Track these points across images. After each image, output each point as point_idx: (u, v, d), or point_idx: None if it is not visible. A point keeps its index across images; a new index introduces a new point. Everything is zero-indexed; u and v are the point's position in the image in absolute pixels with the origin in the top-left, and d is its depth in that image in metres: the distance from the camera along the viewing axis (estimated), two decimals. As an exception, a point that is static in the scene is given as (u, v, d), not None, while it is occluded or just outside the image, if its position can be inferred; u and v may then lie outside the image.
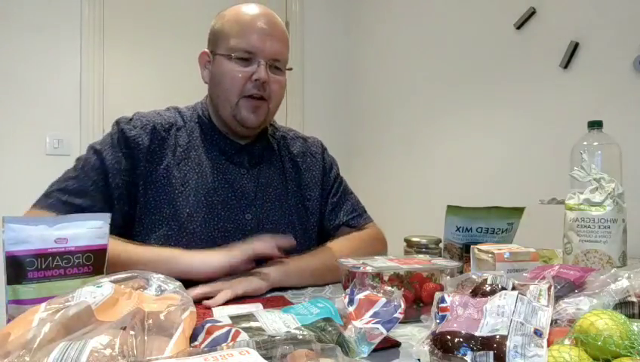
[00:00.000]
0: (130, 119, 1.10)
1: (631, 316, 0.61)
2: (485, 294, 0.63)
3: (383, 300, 0.64)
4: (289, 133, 1.28)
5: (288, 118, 2.92)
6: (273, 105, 1.11)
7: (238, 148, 1.13)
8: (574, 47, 1.81)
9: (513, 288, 0.63)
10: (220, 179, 1.09)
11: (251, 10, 1.09)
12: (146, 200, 1.04)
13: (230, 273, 0.94)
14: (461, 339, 0.53)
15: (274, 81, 1.08)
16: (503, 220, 1.04)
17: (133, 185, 1.03)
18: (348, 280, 0.84)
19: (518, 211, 1.07)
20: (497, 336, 0.52)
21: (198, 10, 2.80)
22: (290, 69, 1.14)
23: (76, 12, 2.53)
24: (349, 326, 0.61)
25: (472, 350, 0.52)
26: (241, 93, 1.06)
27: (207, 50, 1.12)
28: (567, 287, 0.68)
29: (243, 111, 1.07)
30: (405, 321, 0.63)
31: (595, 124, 1.10)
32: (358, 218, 1.26)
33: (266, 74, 1.05)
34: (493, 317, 0.56)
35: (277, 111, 1.15)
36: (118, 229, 0.99)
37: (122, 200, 1.02)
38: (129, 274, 0.61)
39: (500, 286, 0.64)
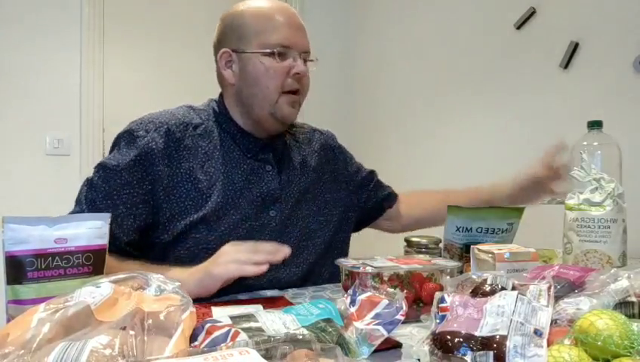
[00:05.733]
0: (141, 122, 1.04)
1: (631, 316, 0.61)
2: (485, 294, 0.63)
3: (385, 301, 0.64)
4: (305, 127, 1.29)
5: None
6: (302, 98, 1.11)
7: (262, 145, 1.10)
8: (574, 47, 1.81)
9: (513, 288, 0.63)
10: (245, 178, 1.06)
11: (272, 3, 1.08)
12: (169, 206, 1.00)
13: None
14: (461, 339, 0.53)
15: (306, 73, 1.07)
16: (503, 220, 1.04)
17: (153, 193, 0.99)
18: (348, 280, 0.84)
19: (518, 211, 1.07)
20: (497, 336, 0.52)
21: (198, 10, 2.80)
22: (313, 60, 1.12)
23: (76, 12, 2.53)
24: (350, 327, 0.61)
25: (472, 350, 0.52)
26: (282, 89, 1.04)
27: (227, 49, 1.07)
28: (567, 287, 0.68)
29: (284, 108, 1.05)
30: (405, 321, 0.63)
31: (595, 124, 1.10)
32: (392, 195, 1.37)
33: (305, 67, 1.05)
34: (493, 317, 0.56)
35: None
36: (131, 238, 0.99)
37: (142, 211, 0.99)
38: (128, 275, 0.61)
39: (499, 286, 0.64)
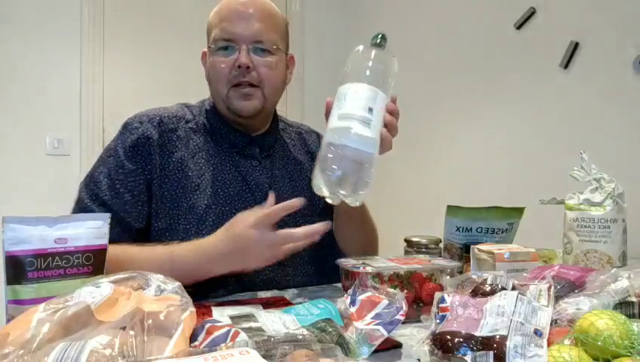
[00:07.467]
0: (135, 116, 1.08)
1: (631, 316, 0.61)
2: (485, 294, 0.63)
3: (385, 302, 0.64)
4: (302, 127, 1.30)
5: (288, 117, 2.91)
6: (268, 90, 1.05)
7: (248, 140, 1.11)
8: (574, 47, 1.81)
9: (513, 288, 0.63)
10: (233, 171, 1.07)
11: None
12: (161, 194, 1.02)
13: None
14: (461, 339, 0.53)
15: (260, 64, 1.02)
16: (503, 220, 1.04)
17: (150, 181, 1.02)
18: (348, 280, 0.84)
19: (518, 211, 1.07)
20: (497, 336, 0.52)
21: (198, 9, 2.79)
22: (278, 48, 1.05)
23: (76, 12, 2.53)
24: (350, 327, 0.61)
25: (472, 350, 0.52)
26: (229, 83, 1.03)
27: (204, 49, 1.11)
28: (567, 287, 0.68)
29: (234, 102, 1.03)
30: (405, 321, 0.63)
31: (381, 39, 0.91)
32: None
33: (247, 58, 1.00)
34: (493, 317, 0.56)
35: (277, 94, 1.10)
36: (142, 225, 1.01)
37: (145, 197, 1.01)
38: (128, 275, 0.61)
39: (499, 286, 0.64)
